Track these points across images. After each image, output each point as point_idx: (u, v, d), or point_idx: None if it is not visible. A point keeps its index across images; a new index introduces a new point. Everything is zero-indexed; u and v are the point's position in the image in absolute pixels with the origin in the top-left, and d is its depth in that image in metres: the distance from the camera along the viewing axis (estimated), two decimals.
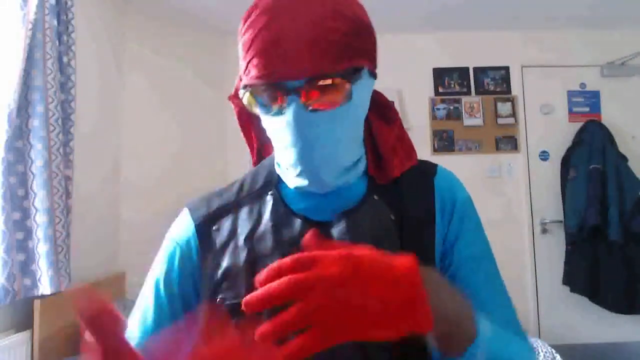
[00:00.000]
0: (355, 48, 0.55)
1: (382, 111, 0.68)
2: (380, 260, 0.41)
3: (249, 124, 0.71)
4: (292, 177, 0.61)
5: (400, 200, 0.62)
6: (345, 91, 0.55)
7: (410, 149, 0.68)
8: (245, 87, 0.57)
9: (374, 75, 0.62)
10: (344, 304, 0.38)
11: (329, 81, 0.54)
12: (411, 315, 0.40)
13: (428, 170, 0.67)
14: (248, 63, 0.55)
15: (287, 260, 0.39)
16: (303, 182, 0.59)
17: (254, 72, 0.54)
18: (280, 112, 0.55)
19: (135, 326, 0.63)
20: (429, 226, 0.62)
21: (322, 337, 0.38)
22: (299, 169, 0.58)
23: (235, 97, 0.69)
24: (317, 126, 0.55)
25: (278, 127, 0.57)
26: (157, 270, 0.65)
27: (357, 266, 0.39)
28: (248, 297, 0.38)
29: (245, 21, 0.56)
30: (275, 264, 0.39)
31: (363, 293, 0.39)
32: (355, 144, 0.62)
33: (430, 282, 0.43)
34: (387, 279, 0.40)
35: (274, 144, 0.61)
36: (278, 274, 0.39)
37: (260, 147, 0.72)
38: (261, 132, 0.70)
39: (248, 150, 0.75)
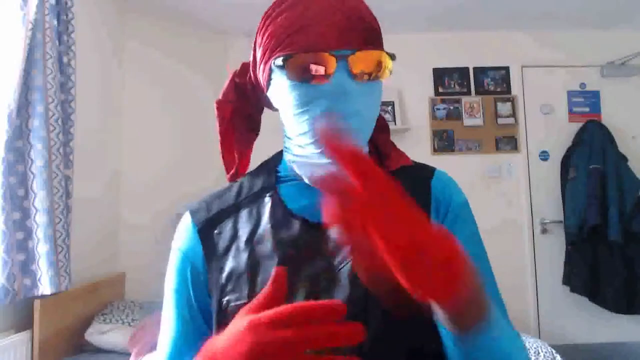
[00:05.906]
0: (381, 44, 0.61)
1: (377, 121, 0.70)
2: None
3: (232, 135, 0.70)
4: (310, 153, 0.60)
5: None
6: (386, 66, 0.59)
7: (403, 153, 0.70)
8: (285, 57, 0.57)
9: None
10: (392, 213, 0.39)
11: (375, 53, 0.58)
12: (453, 273, 0.40)
13: (425, 172, 0.68)
14: (286, 38, 0.57)
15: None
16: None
17: (301, 42, 0.57)
18: (321, 80, 0.57)
19: (167, 342, 0.64)
20: None
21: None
22: None
23: (224, 102, 0.69)
24: (358, 97, 0.57)
25: (314, 95, 0.57)
26: (172, 284, 0.66)
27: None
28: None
29: (277, 7, 0.59)
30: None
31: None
32: (369, 136, 0.64)
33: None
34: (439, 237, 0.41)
35: (295, 118, 0.60)
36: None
37: (238, 163, 0.71)
38: (241, 145, 0.71)
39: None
